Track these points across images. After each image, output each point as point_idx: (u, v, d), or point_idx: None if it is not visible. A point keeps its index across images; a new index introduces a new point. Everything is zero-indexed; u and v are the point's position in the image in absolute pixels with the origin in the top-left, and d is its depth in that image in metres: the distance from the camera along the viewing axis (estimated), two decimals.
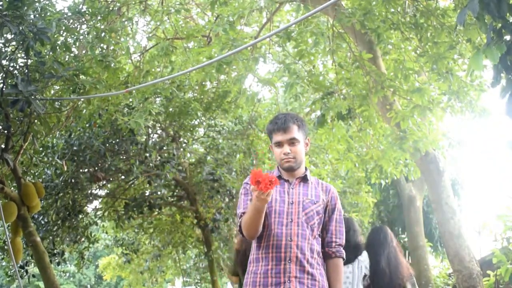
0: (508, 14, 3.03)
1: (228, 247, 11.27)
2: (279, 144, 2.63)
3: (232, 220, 9.20)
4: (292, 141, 2.61)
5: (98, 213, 9.16)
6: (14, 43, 4.77)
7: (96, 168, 7.49)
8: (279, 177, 2.66)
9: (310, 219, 2.58)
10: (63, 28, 5.23)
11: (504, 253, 5.60)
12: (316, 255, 2.58)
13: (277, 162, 2.69)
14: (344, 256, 2.69)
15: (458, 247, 5.99)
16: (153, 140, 8.40)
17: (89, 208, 9.09)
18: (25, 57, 4.70)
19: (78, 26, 5.71)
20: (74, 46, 5.62)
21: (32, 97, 4.24)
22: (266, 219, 2.60)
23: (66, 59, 5.42)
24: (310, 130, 8.01)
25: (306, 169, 2.71)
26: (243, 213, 2.60)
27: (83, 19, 5.60)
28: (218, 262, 11.11)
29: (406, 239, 11.17)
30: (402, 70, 5.76)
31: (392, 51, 6.35)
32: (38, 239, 5.47)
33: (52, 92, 5.72)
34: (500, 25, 3.09)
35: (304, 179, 2.67)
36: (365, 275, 3.71)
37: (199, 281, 15.46)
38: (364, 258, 3.74)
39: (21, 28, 4.16)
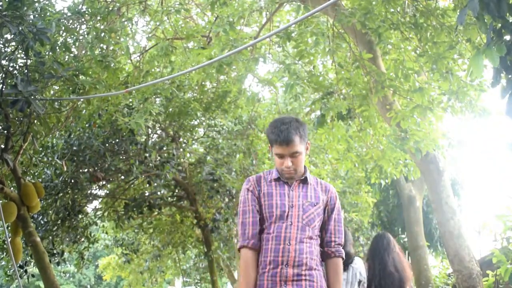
0: (508, 14, 3.03)
1: (228, 247, 11.28)
2: (281, 156, 2.58)
3: (232, 220, 9.20)
4: (294, 154, 2.56)
5: (98, 213, 9.17)
6: (13, 43, 4.77)
7: (96, 168, 7.50)
8: (278, 178, 2.65)
9: (310, 222, 2.58)
10: (63, 28, 5.23)
11: (504, 253, 5.59)
12: (315, 256, 2.59)
13: (277, 169, 2.66)
14: (344, 256, 2.69)
15: (458, 247, 5.98)
16: (153, 140, 8.41)
17: (89, 208, 9.10)
18: (24, 57, 4.70)
19: (78, 26, 5.71)
20: (73, 46, 5.62)
21: (32, 97, 4.24)
22: (266, 221, 2.60)
23: (66, 59, 5.42)
24: (310, 130, 8.01)
25: (305, 169, 2.68)
26: (243, 244, 2.58)
27: (83, 19, 5.60)
28: (218, 262, 11.12)
29: (406, 239, 11.17)
30: (402, 70, 5.76)
31: (391, 51, 6.35)
32: (38, 239, 5.47)
33: (52, 92, 5.72)
34: (500, 25, 3.09)
35: (303, 180, 2.65)
36: (359, 281, 3.78)
37: (199, 281, 15.47)
38: (358, 266, 3.80)
39: (20, 28, 4.16)
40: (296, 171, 2.60)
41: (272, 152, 2.67)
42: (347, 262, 3.72)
